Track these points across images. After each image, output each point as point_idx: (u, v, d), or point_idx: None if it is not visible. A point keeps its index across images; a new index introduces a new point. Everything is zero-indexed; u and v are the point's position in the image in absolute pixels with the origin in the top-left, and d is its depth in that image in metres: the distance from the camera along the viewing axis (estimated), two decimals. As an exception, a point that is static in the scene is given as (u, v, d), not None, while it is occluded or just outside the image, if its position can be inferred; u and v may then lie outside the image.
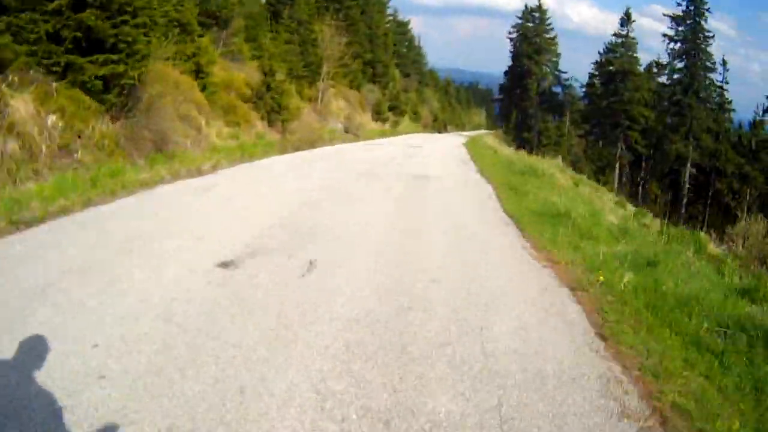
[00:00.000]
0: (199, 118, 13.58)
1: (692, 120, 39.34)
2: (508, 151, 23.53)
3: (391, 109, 39.33)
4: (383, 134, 30.99)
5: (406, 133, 39.27)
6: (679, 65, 42.45)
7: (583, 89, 54.63)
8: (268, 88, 15.97)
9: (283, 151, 14.71)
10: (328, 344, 3.44)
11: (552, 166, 17.59)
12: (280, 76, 16.35)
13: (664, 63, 43.22)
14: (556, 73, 50.84)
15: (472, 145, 27.55)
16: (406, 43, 56.43)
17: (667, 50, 43.18)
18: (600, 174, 43.41)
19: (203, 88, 14.58)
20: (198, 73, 14.78)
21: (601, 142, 50.74)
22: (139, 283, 4.17)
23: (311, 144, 17.11)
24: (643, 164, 48.87)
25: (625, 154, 44.43)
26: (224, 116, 14.70)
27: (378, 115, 33.29)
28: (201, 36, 15.80)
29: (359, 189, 9.80)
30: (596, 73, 53.02)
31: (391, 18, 51.22)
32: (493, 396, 2.98)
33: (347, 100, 29.44)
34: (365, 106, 32.57)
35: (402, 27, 55.20)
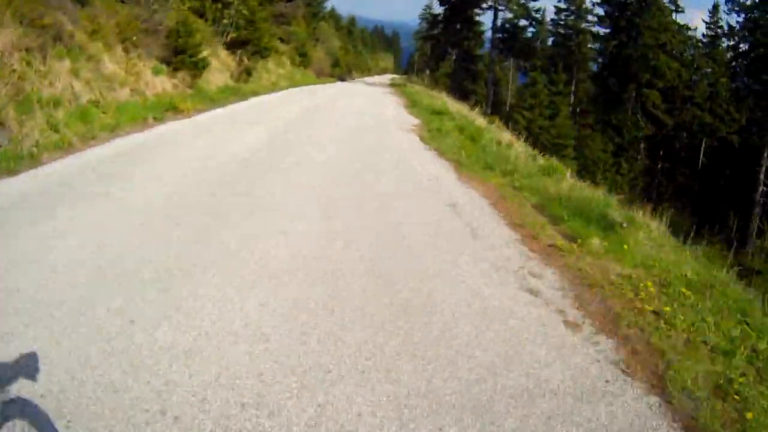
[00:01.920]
0: None
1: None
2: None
3: (239, 45, 19.36)
4: (180, 111, 11.21)
5: (275, 89, 20.45)
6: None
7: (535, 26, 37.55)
8: None
9: None
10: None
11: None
12: None
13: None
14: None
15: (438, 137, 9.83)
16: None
17: None
18: (618, 156, 26.56)
19: None
20: None
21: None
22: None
23: None
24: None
25: (640, 125, 27.71)
26: None
27: (182, 54, 13.22)
28: None
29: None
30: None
31: None
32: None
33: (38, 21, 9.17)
34: (147, 36, 12.48)
35: None
